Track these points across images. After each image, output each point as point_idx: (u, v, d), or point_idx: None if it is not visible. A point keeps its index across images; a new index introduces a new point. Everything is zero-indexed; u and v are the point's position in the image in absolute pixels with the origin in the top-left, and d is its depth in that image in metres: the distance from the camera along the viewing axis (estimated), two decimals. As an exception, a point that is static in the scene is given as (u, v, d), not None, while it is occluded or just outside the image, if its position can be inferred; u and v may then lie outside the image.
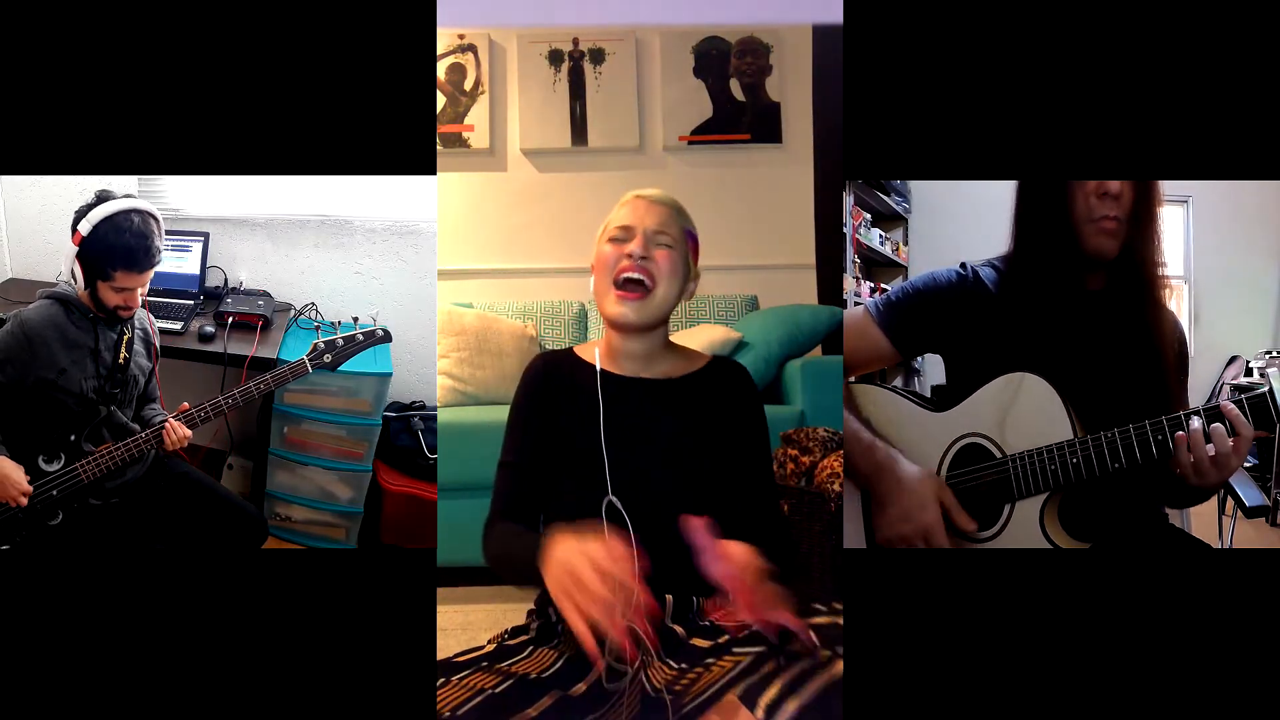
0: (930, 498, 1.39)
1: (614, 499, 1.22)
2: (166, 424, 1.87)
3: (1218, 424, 1.25)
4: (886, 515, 1.42)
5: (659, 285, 1.28)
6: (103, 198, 1.81)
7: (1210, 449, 1.25)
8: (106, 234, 1.79)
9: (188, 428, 1.88)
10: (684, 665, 1.12)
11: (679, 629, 1.18)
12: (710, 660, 1.10)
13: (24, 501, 1.76)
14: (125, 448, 1.85)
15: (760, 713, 0.95)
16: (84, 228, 1.78)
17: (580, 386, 1.31)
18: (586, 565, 1.00)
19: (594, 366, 1.32)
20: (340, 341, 2.02)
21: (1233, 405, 1.25)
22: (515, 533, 1.24)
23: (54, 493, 1.82)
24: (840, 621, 1.05)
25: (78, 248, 1.78)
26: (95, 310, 1.86)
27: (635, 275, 1.26)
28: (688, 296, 1.35)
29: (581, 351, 1.37)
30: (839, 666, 0.98)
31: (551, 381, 1.34)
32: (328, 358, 2.01)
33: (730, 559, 1.07)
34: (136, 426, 1.92)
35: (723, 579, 1.06)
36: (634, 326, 1.29)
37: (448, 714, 1.06)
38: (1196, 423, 1.26)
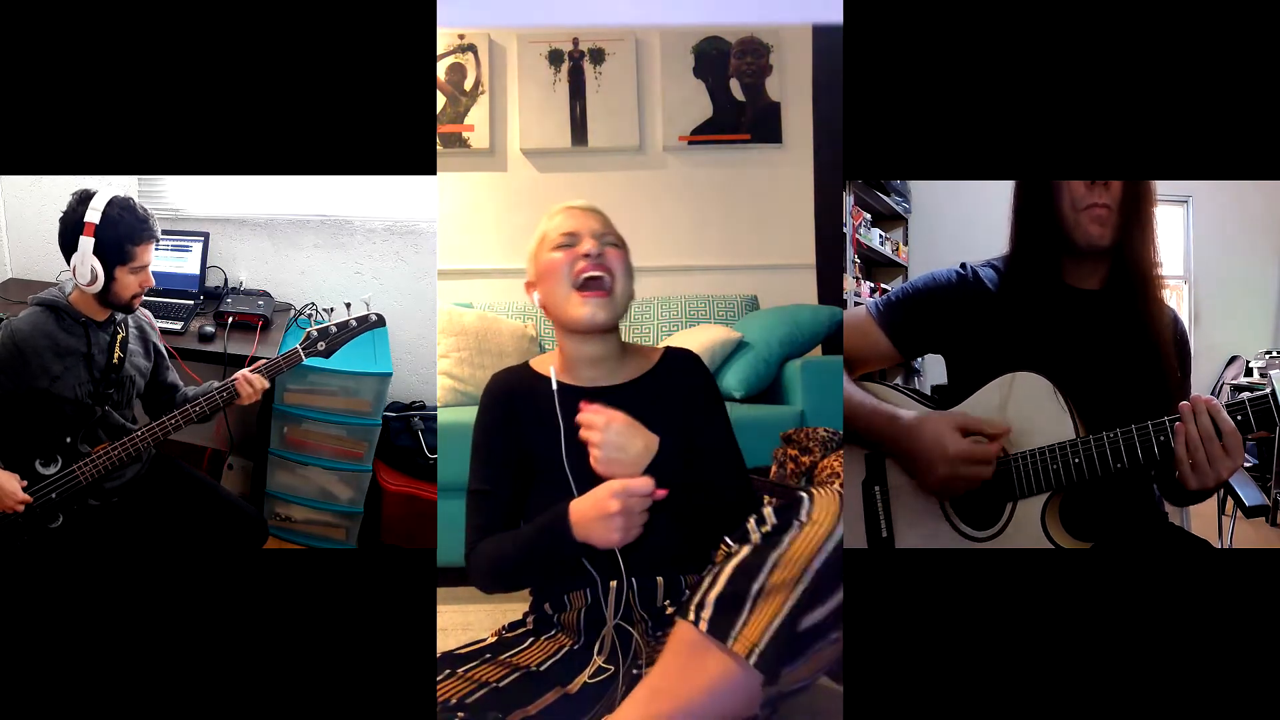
0: (945, 431, 1.39)
1: None
2: (239, 377, 1.89)
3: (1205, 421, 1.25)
4: (917, 469, 1.42)
5: (617, 281, 1.29)
6: (87, 194, 1.82)
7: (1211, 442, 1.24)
8: (119, 214, 1.80)
9: (261, 380, 1.91)
10: (660, 633, 1.18)
11: (668, 604, 1.23)
12: (677, 618, 1.14)
13: (20, 509, 1.76)
14: (122, 447, 1.85)
15: (691, 614, 1.04)
16: (93, 216, 1.78)
17: (541, 403, 1.31)
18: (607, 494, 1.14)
19: (552, 380, 1.32)
20: (334, 328, 1.99)
21: (1217, 403, 1.25)
22: (501, 539, 1.26)
23: (53, 495, 1.81)
24: (749, 525, 1.09)
25: (93, 238, 1.77)
26: (91, 312, 1.86)
27: (595, 273, 1.27)
28: (632, 294, 1.36)
29: (538, 365, 1.37)
30: (744, 550, 1.06)
31: (513, 401, 1.34)
32: (322, 345, 1.97)
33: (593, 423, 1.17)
34: (133, 426, 1.92)
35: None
36: (602, 325, 1.29)
37: (454, 703, 1.07)
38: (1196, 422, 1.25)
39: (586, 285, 1.27)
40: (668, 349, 1.40)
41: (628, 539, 1.14)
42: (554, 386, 1.30)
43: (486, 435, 1.34)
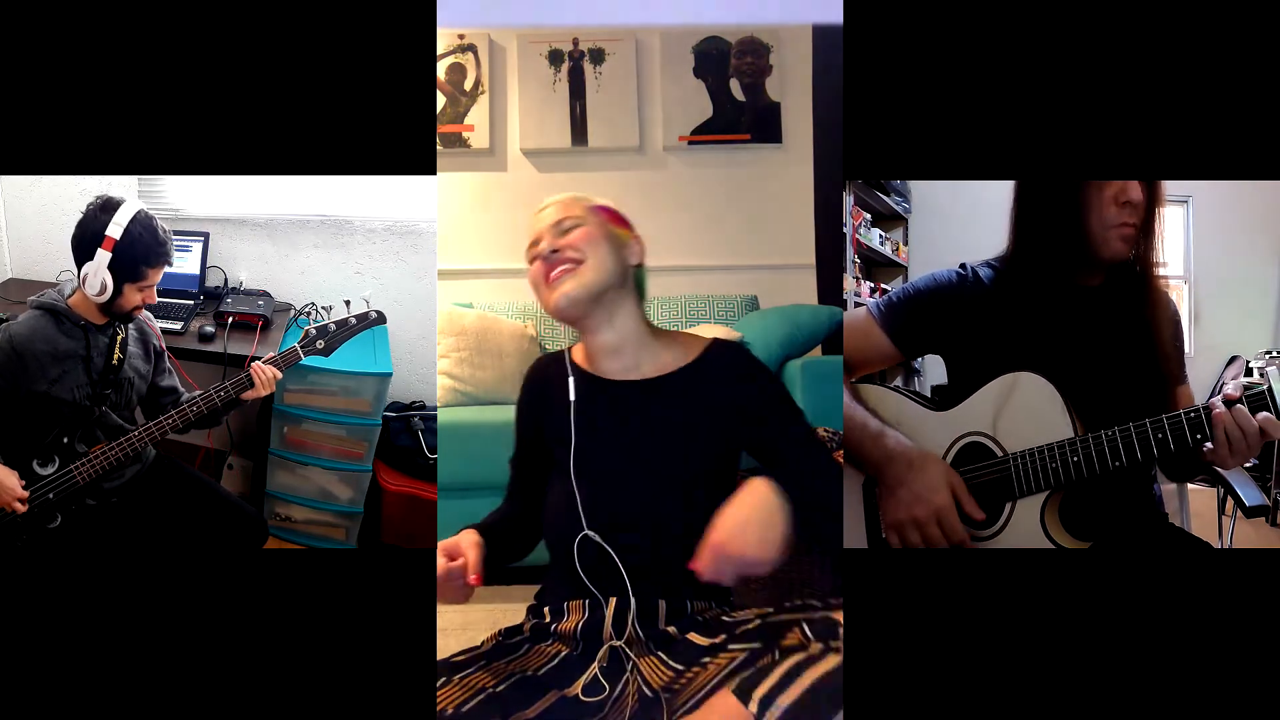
0: (942, 481, 1.39)
1: (591, 534, 1.19)
2: (255, 365, 1.89)
3: (1240, 409, 1.25)
4: (897, 498, 1.41)
5: (587, 256, 1.21)
6: (111, 203, 1.80)
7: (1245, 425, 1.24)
8: (140, 233, 1.79)
9: (274, 370, 1.91)
10: (680, 666, 1.12)
11: (672, 629, 1.18)
12: (707, 659, 1.10)
13: (20, 508, 1.76)
14: (119, 447, 1.84)
15: (754, 706, 0.94)
16: (114, 231, 1.77)
17: (565, 394, 1.27)
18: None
19: (590, 375, 1.27)
20: (332, 326, 1.97)
21: (1222, 408, 1.26)
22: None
23: (50, 496, 1.81)
24: (836, 617, 1.05)
25: (110, 253, 1.77)
26: (90, 316, 1.85)
27: (559, 267, 1.21)
28: (636, 259, 1.27)
29: (577, 354, 1.32)
30: (833, 661, 0.97)
31: (543, 386, 1.32)
32: (320, 343, 1.96)
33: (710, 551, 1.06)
34: (131, 427, 1.91)
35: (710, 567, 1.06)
36: (579, 299, 1.20)
37: (450, 712, 1.06)
38: (1223, 404, 1.25)
39: (551, 273, 1.22)
40: (715, 341, 1.29)
41: (441, 600, 1.15)
42: (571, 398, 1.26)
43: (517, 412, 1.36)
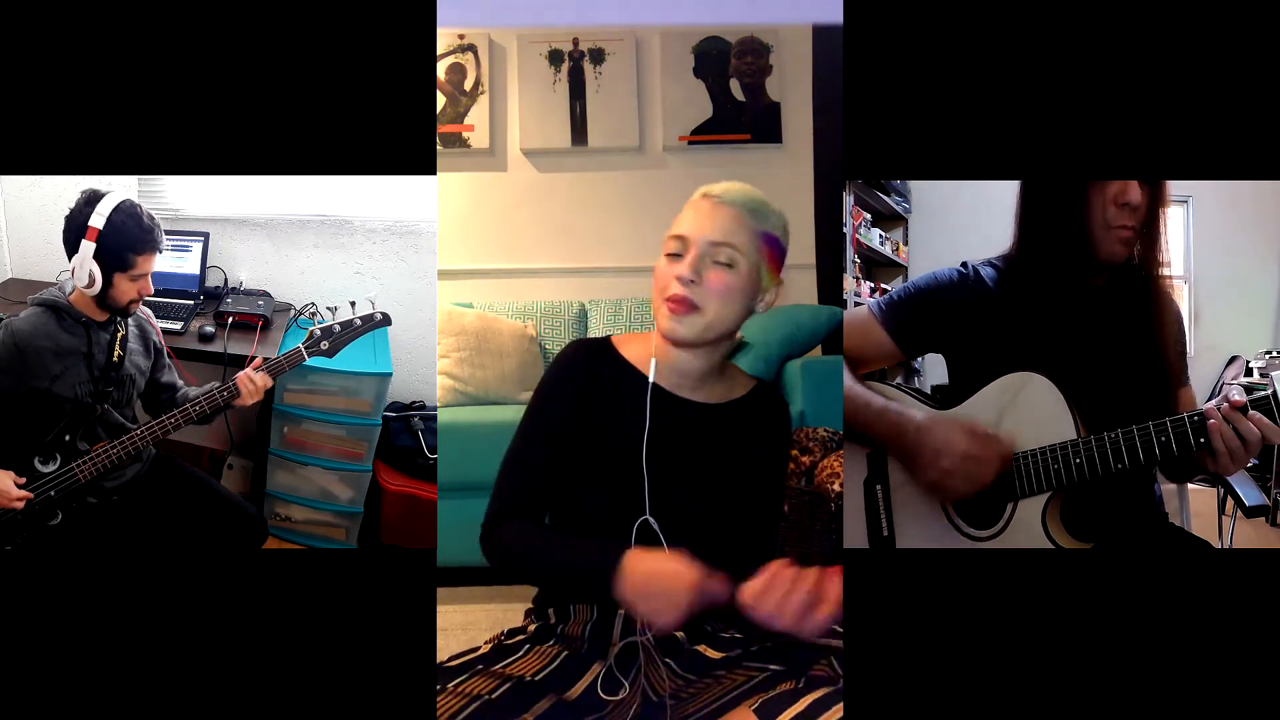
0: (956, 431, 1.39)
1: (651, 519, 1.17)
2: (240, 376, 1.88)
3: (1238, 416, 1.25)
4: (921, 462, 1.41)
5: (709, 307, 1.17)
6: (96, 195, 1.81)
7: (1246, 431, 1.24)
8: (124, 221, 1.79)
9: (264, 377, 1.90)
10: (691, 675, 1.11)
11: (680, 634, 1.17)
12: (721, 672, 1.09)
13: (19, 506, 1.77)
14: (121, 445, 1.85)
15: None
16: (97, 221, 1.77)
17: (622, 391, 1.23)
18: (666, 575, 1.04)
19: (641, 374, 1.24)
20: (337, 327, 1.96)
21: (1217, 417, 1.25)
22: (534, 535, 1.21)
23: (52, 493, 1.81)
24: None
25: (94, 243, 1.77)
26: (91, 312, 1.86)
27: (683, 296, 1.17)
28: (762, 307, 1.23)
29: (624, 348, 1.27)
30: (840, 706, 0.98)
31: (591, 376, 1.25)
32: (325, 345, 1.95)
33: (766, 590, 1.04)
34: (132, 425, 1.91)
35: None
36: (684, 342, 1.20)
37: None
38: (1226, 406, 1.25)
39: (673, 300, 1.18)
40: (760, 383, 1.32)
41: (676, 628, 1.06)
42: (651, 378, 1.22)
43: (548, 401, 1.25)
